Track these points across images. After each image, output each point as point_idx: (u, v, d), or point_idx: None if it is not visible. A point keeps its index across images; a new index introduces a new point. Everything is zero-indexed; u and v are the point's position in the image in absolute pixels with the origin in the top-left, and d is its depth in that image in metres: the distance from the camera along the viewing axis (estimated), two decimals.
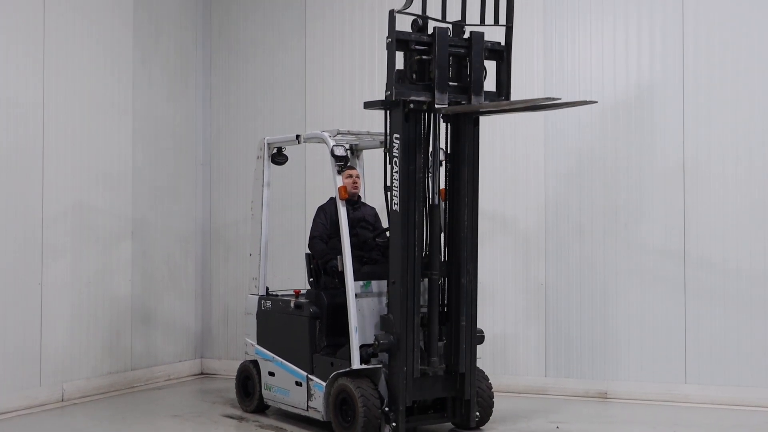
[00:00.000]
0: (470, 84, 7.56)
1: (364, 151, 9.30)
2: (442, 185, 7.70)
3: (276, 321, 8.63)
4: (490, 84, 7.73)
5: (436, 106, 7.40)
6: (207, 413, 9.08)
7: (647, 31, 9.30)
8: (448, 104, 7.45)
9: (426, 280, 7.62)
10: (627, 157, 9.34)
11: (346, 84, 10.81)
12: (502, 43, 7.79)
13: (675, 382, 9.10)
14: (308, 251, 8.58)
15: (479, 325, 7.79)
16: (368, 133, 8.79)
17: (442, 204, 7.68)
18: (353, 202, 8.38)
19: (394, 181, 7.45)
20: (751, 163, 8.84)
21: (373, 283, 7.89)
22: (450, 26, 7.59)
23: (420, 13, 7.45)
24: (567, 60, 9.70)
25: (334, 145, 7.99)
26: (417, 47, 7.45)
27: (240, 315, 10.66)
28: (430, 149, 7.58)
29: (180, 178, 11.40)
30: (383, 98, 7.52)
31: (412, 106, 7.44)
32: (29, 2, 9.43)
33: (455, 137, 7.72)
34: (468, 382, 7.64)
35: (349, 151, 8.75)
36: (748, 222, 8.83)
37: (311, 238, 8.40)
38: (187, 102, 11.58)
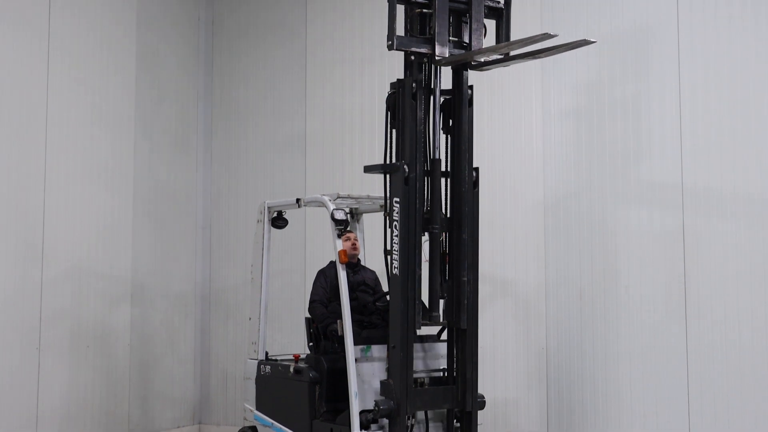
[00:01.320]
0: (470, 41, 7.60)
1: (364, 214, 9.31)
2: (442, 153, 7.63)
3: (275, 386, 8.56)
4: (490, 43, 7.72)
5: (436, 57, 7.44)
6: None
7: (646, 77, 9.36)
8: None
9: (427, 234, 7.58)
10: (626, 220, 9.33)
11: (346, 147, 10.86)
12: (502, 2, 7.83)
13: None
14: (308, 315, 8.54)
15: (480, 390, 7.72)
16: (368, 197, 8.80)
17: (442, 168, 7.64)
18: (353, 265, 8.36)
19: (394, 244, 7.43)
20: (751, 225, 8.84)
21: (374, 347, 7.83)
22: None
23: None
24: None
25: (334, 209, 7.99)
26: (417, 0, 7.52)
27: (239, 380, 10.59)
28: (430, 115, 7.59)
29: (180, 242, 11.41)
30: (381, 163, 7.56)
31: (413, 57, 7.51)
32: (33, 69, 9.51)
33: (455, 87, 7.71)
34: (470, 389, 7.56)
35: (349, 215, 8.76)
36: (749, 282, 8.80)
37: (311, 302, 8.37)
38: (188, 165, 11.63)
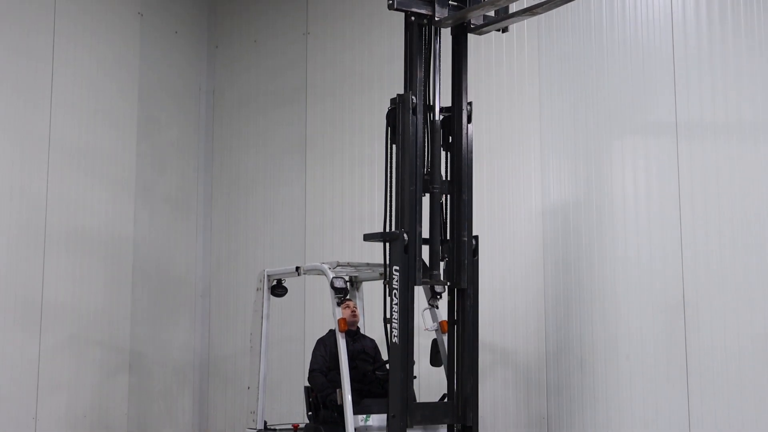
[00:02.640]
0: (468, 5, 7.64)
1: (363, 282, 9.30)
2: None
3: None
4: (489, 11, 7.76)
5: (436, 18, 7.49)
6: None
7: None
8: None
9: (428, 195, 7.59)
10: (626, 291, 9.32)
11: (345, 216, 10.89)
12: None
13: None
14: (307, 384, 8.48)
15: None
16: (367, 265, 8.80)
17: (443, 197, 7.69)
18: (353, 333, 8.33)
19: (393, 313, 7.41)
20: (751, 296, 8.82)
21: (373, 416, 7.76)
22: None
23: None
24: None
25: (333, 277, 7.99)
26: None
27: None
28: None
29: (179, 310, 11.38)
30: (381, 232, 7.57)
31: (413, 18, 7.54)
32: (34, 132, 9.58)
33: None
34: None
35: (348, 283, 8.75)
36: (750, 354, 8.76)
37: (311, 371, 8.32)
38: (188, 234, 11.65)
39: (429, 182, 7.56)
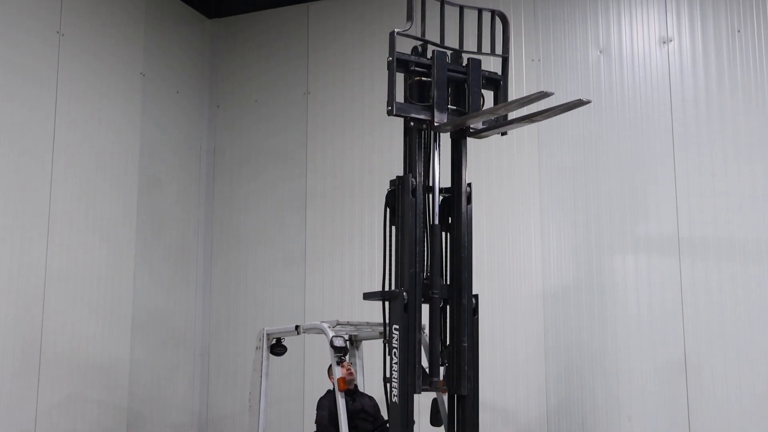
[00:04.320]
0: (468, 111, 7.65)
1: (363, 341, 9.26)
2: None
3: None
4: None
5: (435, 123, 7.47)
6: None
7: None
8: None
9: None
10: (627, 351, 9.29)
11: (345, 274, 10.89)
12: (499, 73, 7.90)
13: None
14: None
15: None
16: (367, 324, 8.77)
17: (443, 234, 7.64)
18: (351, 392, 8.27)
19: (393, 372, 7.37)
20: (752, 355, 8.79)
21: None
22: (449, 52, 7.73)
23: (420, 35, 7.60)
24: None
25: (333, 336, 7.96)
26: (416, 68, 7.59)
27: None
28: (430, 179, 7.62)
29: (177, 369, 11.31)
30: (380, 290, 7.55)
31: (412, 123, 7.54)
32: (36, 189, 9.60)
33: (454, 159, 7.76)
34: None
35: (348, 342, 8.71)
36: (752, 414, 8.71)
37: (319, 424, 8.22)
38: (187, 292, 11.63)
39: (428, 287, 7.52)
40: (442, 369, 7.51)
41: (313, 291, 11.12)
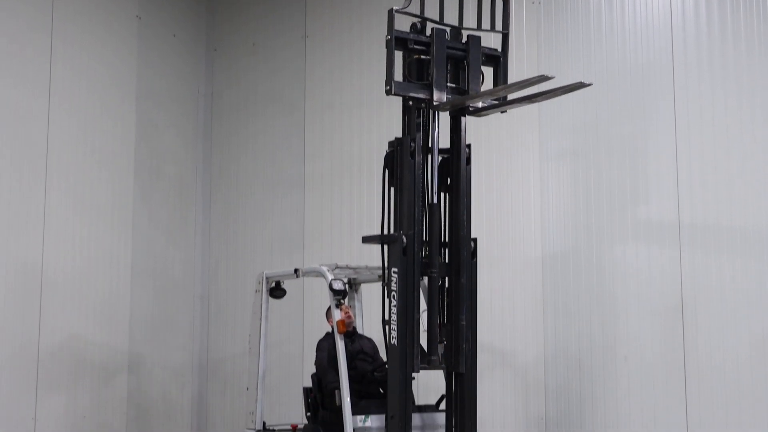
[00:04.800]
0: (468, 88, 7.63)
1: (362, 284, 9.32)
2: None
3: None
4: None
5: (434, 103, 7.45)
6: None
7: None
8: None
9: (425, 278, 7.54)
10: (624, 293, 9.35)
11: (344, 218, 10.91)
12: (499, 50, 7.89)
13: None
14: (306, 385, 8.51)
15: None
16: (366, 267, 8.83)
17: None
18: (350, 334, 8.34)
19: (392, 315, 7.43)
20: (748, 298, 8.85)
21: (372, 417, 7.78)
22: (448, 29, 7.70)
23: (419, 13, 7.57)
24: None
25: (332, 279, 8.02)
26: (415, 47, 7.56)
27: None
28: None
29: (177, 312, 11.40)
30: (379, 234, 7.58)
31: (410, 103, 7.52)
32: (34, 136, 9.60)
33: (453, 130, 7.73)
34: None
35: (347, 285, 8.77)
36: (748, 352, 8.79)
37: (318, 365, 8.30)
38: (186, 236, 11.67)
39: (427, 266, 7.53)
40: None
41: (312, 235, 11.16)
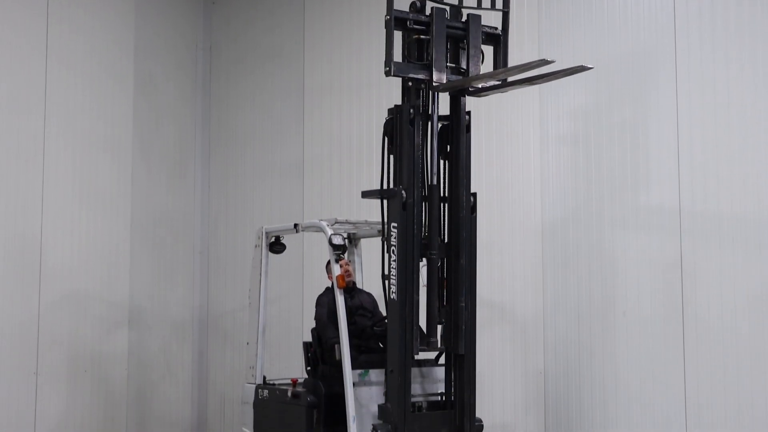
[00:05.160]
0: (468, 67, 7.61)
1: (361, 239, 9.33)
2: (440, 179, 7.61)
3: (273, 410, 8.55)
4: (487, 69, 7.74)
5: (434, 83, 7.44)
6: None
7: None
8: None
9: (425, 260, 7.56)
10: (624, 245, 9.36)
11: (344, 172, 10.89)
12: (499, 28, 7.85)
13: None
14: (306, 339, 8.53)
15: (478, 414, 7.71)
16: (366, 222, 8.83)
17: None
18: (349, 290, 8.36)
19: (391, 269, 7.45)
20: (748, 253, 8.86)
21: (371, 372, 7.84)
22: (447, 8, 7.66)
23: None
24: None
25: (332, 234, 8.02)
26: (415, 26, 7.52)
27: (237, 404, 10.56)
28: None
29: (177, 267, 11.42)
30: (379, 188, 7.58)
31: (410, 84, 7.51)
32: (32, 92, 9.55)
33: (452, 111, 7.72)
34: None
35: (346, 240, 8.78)
36: (747, 307, 8.81)
37: (318, 320, 8.33)
38: (186, 190, 11.66)
39: (427, 247, 7.51)
40: (439, 327, 7.60)
41: (312, 189, 11.14)
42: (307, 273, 10.88)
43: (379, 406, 7.55)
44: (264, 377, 8.90)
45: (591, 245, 9.52)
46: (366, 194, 7.91)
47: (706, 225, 9.02)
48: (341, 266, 8.07)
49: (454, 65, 7.67)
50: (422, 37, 7.54)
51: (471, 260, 7.62)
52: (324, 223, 8.25)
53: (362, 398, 7.70)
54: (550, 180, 9.74)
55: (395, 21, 7.44)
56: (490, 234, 9.71)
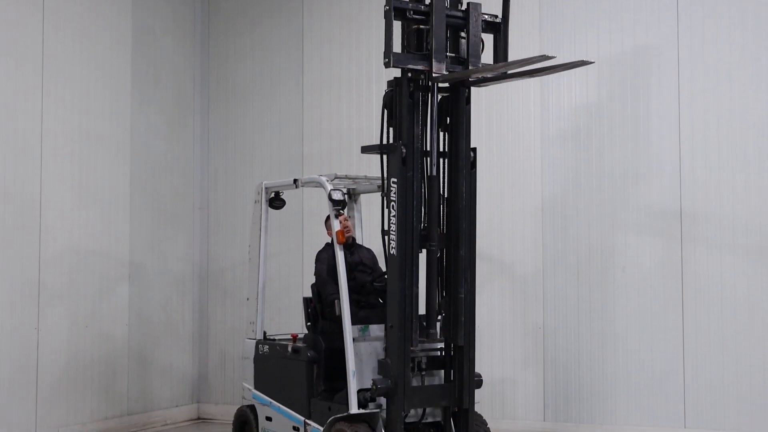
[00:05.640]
0: (468, 56, 7.56)
1: (361, 195, 9.32)
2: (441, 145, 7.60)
3: (273, 365, 8.60)
4: (487, 58, 7.69)
5: (434, 74, 7.39)
6: None
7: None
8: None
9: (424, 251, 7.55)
10: (623, 201, 9.36)
11: (343, 128, 10.86)
12: (499, 16, 7.79)
13: (674, 426, 9.04)
14: (306, 295, 8.55)
15: (477, 369, 7.75)
16: (365, 177, 8.81)
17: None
18: (349, 246, 8.36)
19: (391, 225, 7.44)
20: (748, 209, 8.85)
21: (371, 327, 7.87)
22: None
23: None
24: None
25: (331, 189, 8.00)
26: (414, 16, 7.46)
27: (237, 359, 10.62)
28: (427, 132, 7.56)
29: (177, 222, 11.41)
30: (379, 144, 7.56)
31: (410, 75, 7.46)
32: (29, 45, 9.49)
33: (453, 111, 7.67)
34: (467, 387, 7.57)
35: (346, 195, 8.77)
36: (745, 266, 8.83)
37: (317, 276, 8.34)
38: (185, 145, 11.62)
39: (426, 238, 7.47)
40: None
41: (312, 145, 11.11)
42: (307, 229, 10.88)
43: (379, 361, 7.58)
44: (264, 332, 8.93)
45: (590, 200, 9.51)
46: (366, 149, 7.88)
47: (707, 181, 9.01)
48: (341, 222, 8.05)
49: (453, 54, 7.59)
50: (422, 27, 7.47)
51: (471, 250, 7.58)
52: (323, 178, 8.23)
53: (362, 353, 7.74)
54: (551, 142, 9.71)
55: (395, 11, 7.37)
56: (490, 189, 9.70)
